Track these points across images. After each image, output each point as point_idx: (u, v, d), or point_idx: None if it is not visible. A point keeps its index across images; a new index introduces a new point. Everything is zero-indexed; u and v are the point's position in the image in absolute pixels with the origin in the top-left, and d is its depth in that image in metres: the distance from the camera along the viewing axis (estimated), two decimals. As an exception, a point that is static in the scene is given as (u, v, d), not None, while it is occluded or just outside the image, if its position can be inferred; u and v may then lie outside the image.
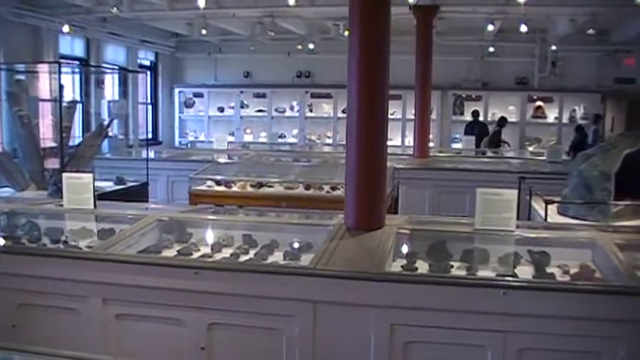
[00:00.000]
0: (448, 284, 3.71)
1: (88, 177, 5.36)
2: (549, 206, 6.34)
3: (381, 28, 4.61)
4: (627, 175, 6.27)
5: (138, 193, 7.92)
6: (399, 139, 15.98)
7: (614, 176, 6.17)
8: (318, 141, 16.60)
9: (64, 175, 5.45)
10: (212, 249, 4.61)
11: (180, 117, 17.41)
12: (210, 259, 4.31)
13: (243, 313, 3.90)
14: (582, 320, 3.54)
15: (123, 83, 14.68)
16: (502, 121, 14.90)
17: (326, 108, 16.62)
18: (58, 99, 7.13)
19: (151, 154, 11.67)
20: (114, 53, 14.44)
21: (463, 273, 4.06)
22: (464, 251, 4.38)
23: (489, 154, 13.83)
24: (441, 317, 3.65)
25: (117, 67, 14.49)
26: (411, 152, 12.16)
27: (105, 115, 12.38)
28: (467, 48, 15.64)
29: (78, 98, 12.27)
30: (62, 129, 7.00)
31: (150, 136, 16.32)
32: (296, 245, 4.57)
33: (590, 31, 13.05)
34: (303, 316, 3.78)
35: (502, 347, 3.60)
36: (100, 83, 13.34)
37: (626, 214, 6.20)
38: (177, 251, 4.49)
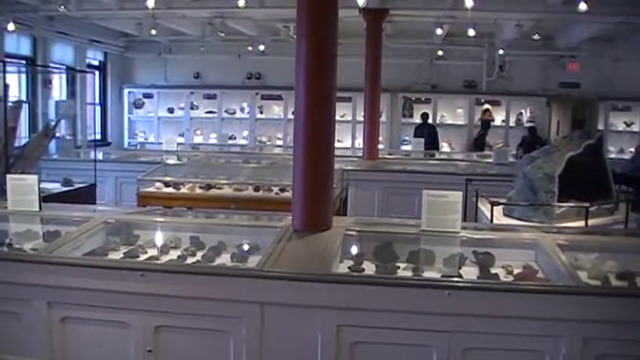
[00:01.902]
0: (394, 285, 3.76)
1: (33, 178, 5.27)
2: (495, 208, 6.44)
3: (329, 30, 4.63)
4: (570, 177, 6.42)
5: (85, 195, 7.81)
6: (349, 141, 16.03)
7: (557, 178, 6.30)
8: (268, 142, 16.55)
9: (8, 176, 5.35)
10: (159, 251, 4.59)
11: (129, 118, 17.14)
12: (156, 262, 4.28)
13: (190, 315, 3.89)
14: (525, 319, 3.62)
15: (71, 83, 14.43)
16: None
17: (276, 110, 16.58)
18: (2, 99, 7.00)
19: (100, 155, 11.56)
20: (62, 52, 14.17)
21: (409, 274, 4.11)
22: (410, 252, 4.44)
23: (437, 156, 14.01)
24: (387, 318, 3.69)
25: (65, 67, 14.24)
26: (361, 154, 12.21)
27: (52, 116, 12.16)
28: (416, 51, 15.76)
29: (24, 98, 12.04)
30: (7, 129, 6.86)
31: (98, 137, 16.05)
32: (243, 247, 4.56)
33: (536, 37, 13.31)
34: (251, 317, 3.79)
35: (447, 347, 3.66)
36: (47, 83, 13.09)
37: (569, 215, 6.35)
38: (124, 253, 4.45)
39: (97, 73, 16.14)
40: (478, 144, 14.97)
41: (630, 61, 15.18)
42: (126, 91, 17.00)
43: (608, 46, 15.09)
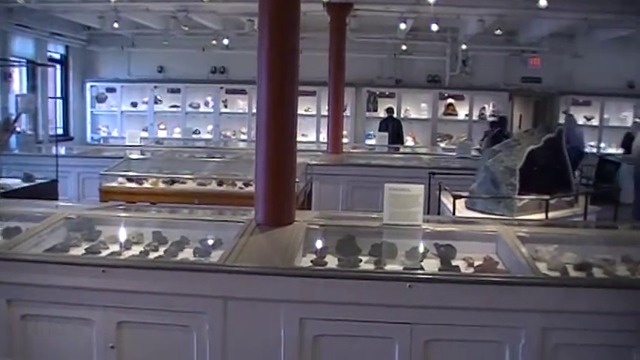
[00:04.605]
0: (356, 278, 3.78)
1: (-9, 174, 5.20)
2: (458, 201, 6.50)
3: (291, 23, 4.62)
4: (531, 170, 6.50)
5: (47, 191, 7.72)
6: (314, 135, 16.07)
7: (518, 171, 6.38)
8: (232, 137, 16.52)
9: (-34, 172, 5.27)
10: (121, 247, 4.54)
11: (92, 112, 16.97)
12: (118, 257, 4.24)
13: (153, 310, 3.86)
14: (485, 311, 3.67)
15: (32, 77, 14.23)
16: (503, 121, 15.10)
17: (241, 104, 16.54)
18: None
19: (62, 151, 11.44)
20: (22, 46, 13.93)
21: (371, 267, 4.14)
22: (372, 246, 4.46)
23: (402, 150, 14.11)
24: (349, 310, 3.71)
25: (25, 60, 14.04)
26: (326, 148, 12.24)
27: (12, 110, 11.98)
28: (380, 46, 15.81)
29: (-18, 92, 11.87)
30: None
31: (60, 131, 15.87)
32: (206, 242, 4.54)
33: (498, 32, 13.48)
34: (213, 312, 3.78)
35: (409, 339, 3.69)
36: (6, 77, 12.89)
37: (530, 207, 6.44)
38: (85, 249, 4.39)
39: (58, 66, 15.95)
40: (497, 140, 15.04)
41: (590, 56, 15.47)
42: (88, 85, 16.84)
43: (569, 41, 15.38)
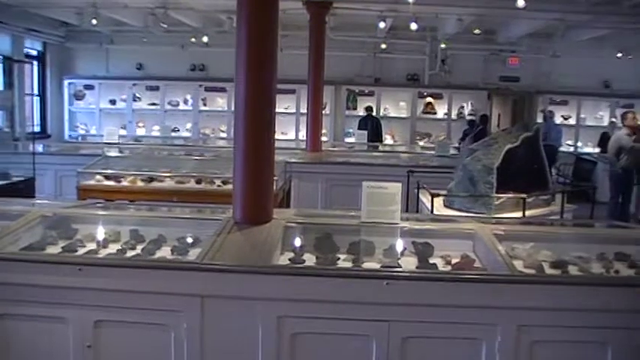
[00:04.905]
0: (334, 276, 3.79)
1: (-33, 172, 5.15)
2: (436, 199, 6.55)
3: (269, 20, 4.63)
4: (509, 168, 6.56)
5: (24, 189, 7.69)
6: (293, 133, 16.06)
7: (496, 170, 6.43)
8: (212, 135, 16.44)
9: (-59, 169, 5.22)
10: (98, 245, 4.50)
11: (70, 109, 16.81)
12: (95, 256, 4.21)
13: (130, 309, 3.84)
14: (462, 308, 3.69)
15: (8, 74, 14.06)
16: (484, 119, 15.29)
17: (220, 102, 16.49)
18: None
19: (39, 148, 11.30)
20: (-3, 42, 13.84)
21: (349, 265, 4.15)
22: (350, 244, 4.47)
23: (380, 148, 14.16)
24: (327, 308, 3.72)
25: (1, 57, 13.88)
26: (305, 146, 12.23)
27: (-11, 107, 11.88)
28: (360, 44, 15.86)
29: (-42, 89, 11.74)
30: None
31: (38, 129, 15.74)
32: (184, 240, 4.53)
33: (477, 32, 13.56)
34: (191, 310, 3.77)
35: (386, 336, 3.70)
36: (-18, 73, 12.79)
37: (507, 206, 6.49)
38: (62, 248, 4.36)
39: (35, 63, 15.80)
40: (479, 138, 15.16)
41: (567, 56, 15.63)
42: (66, 82, 16.68)
43: (546, 41, 15.49)
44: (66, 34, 16.34)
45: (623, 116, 11.37)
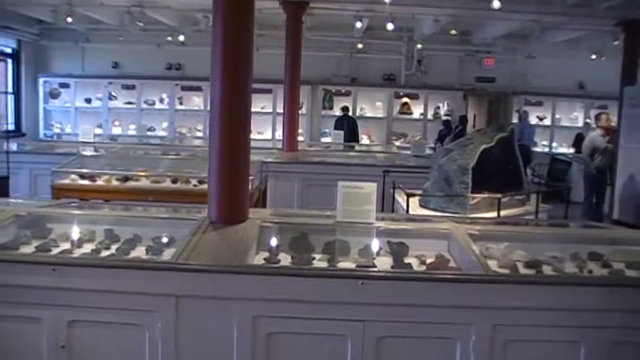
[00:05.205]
0: (309, 276, 3.78)
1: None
2: (412, 199, 6.56)
3: (245, 19, 4.62)
4: (484, 169, 6.60)
5: (-3, 188, 7.59)
6: (270, 133, 16.03)
7: (471, 170, 6.46)
8: (188, 134, 16.37)
9: None
10: (72, 245, 4.46)
11: (45, 108, 16.64)
12: (69, 255, 4.18)
13: (104, 309, 3.80)
14: (437, 308, 3.71)
15: (-19, 71, 13.97)
16: (463, 120, 15.37)
17: (196, 101, 16.43)
18: None
19: (13, 147, 11.18)
20: (-30, 39, 13.70)
21: (324, 265, 4.15)
22: (326, 243, 4.46)
23: (357, 148, 14.20)
24: (302, 308, 3.71)
25: (-26, 55, 13.78)
26: (281, 146, 12.22)
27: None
28: (336, 44, 15.88)
29: None
30: None
31: (12, 127, 15.58)
32: (159, 240, 4.50)
33: (453, 32, 13.63)
34: (166, 310, 3.74)
35: (361, 336, 3.70)
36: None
37: (482, 206, 6.53)
38: (36, 247, 4.32)
39: (10, 61, 15.64)
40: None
41: (542, 57, 15.79)
42: (41, 80, 16.50)
43: (522, 42, 15.65)
44: (41, 32, 16.17)
45: (597, 117, 11.51)
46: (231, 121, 4.60)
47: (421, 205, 6.83)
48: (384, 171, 8.43)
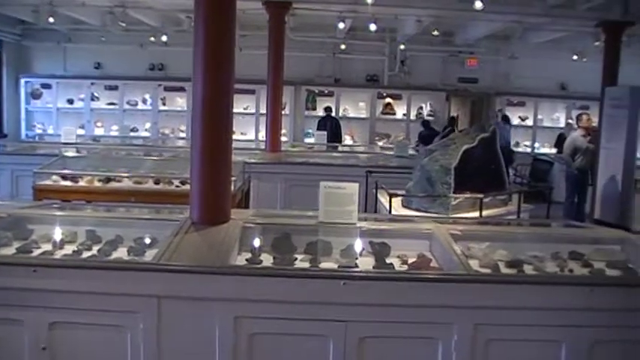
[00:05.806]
0: (291, 276, 3.79)
1: None
2: (394, 199, 6.58)
3: (227, 19, 4.61)
4: (466, 169, 6.62)
5: (-22, 189, 7.53)
6: (253, 133, 16.01)
7: (453, 170, 6.49)
8: (171, 135, 16.33)
9: None
10: (54, 246, 4.43)
11: (26, 109, 16.53)
12: (50, 257, 4.15)
13: (86, 310, 3.78)
14: (418, 307, 3.72)
15: (-38, 72, 13.85)
16: (452, 121, 15.43)
17: (179, 101, 16.37)
18: None
19: (-6, 148, 11.14)
20: (-50, 40, 13.57)
21: (306, 265, 4.16)
22: (308, 244, 4.46)
23: (340, 148, 14.22)
24: (284, 309, 3.71)
25: (-46, 55, 13.66)
26: (264, 147, 12.21)
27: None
28: (319, 44, 15.90)
29: None
30: None
31: (-7, 128, 15.51)
32: (141, 240, 4.48)
33: (436, 33, 13.68)
34: (147, 311, 3.73)
35: (344, 336, 3.71)
36: None
37: (464, 206, 6.56)
38: (17, 249, 4.29)
39: (-10, 61, 15.55)
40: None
41: (525, 58, 15.90)
42: (23, 80, 16.39)
43: (504, 43, 15.74)
44: (22, 32, 16.09)
45: (579, 118, 11.59)
46: (213, 122, 4.59)
47: (404, 206, 6.84)
48: (366, 171, 8.45)
